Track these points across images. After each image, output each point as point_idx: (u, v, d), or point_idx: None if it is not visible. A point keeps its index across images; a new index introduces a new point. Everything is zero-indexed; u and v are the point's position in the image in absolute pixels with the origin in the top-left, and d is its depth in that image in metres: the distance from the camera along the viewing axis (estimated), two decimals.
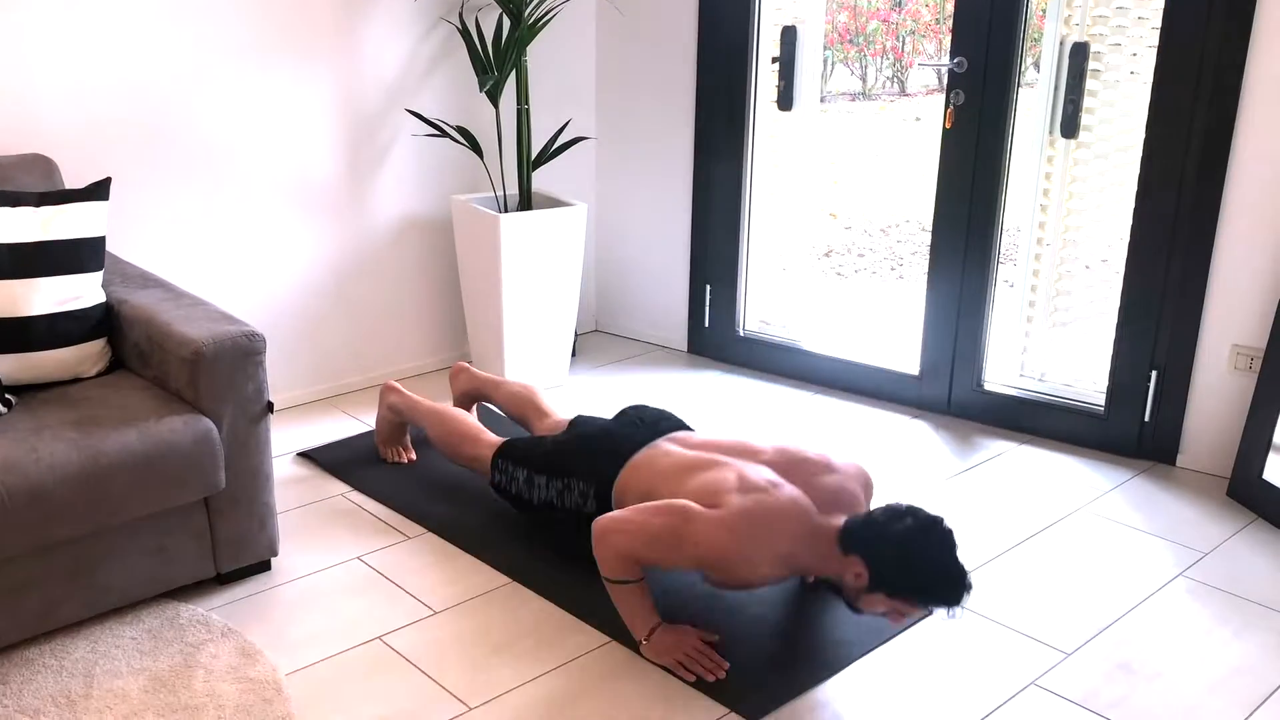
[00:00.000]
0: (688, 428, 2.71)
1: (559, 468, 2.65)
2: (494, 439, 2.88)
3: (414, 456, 3.21)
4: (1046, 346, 3.57)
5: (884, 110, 9.90)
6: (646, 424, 2.68)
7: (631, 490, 2.52)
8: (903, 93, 10.27)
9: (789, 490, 2.32)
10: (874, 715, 2.19)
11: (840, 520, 2.30)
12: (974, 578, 2.65)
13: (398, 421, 3.17)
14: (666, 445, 2.58)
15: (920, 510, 2.23)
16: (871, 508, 2.47)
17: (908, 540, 2.18)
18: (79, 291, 2.56)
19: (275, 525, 2.58)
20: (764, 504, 2.27)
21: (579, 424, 2.77)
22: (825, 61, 9.32)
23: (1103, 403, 3.39)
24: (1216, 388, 3.17)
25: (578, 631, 2.43)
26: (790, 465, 2.43)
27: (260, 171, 3.37)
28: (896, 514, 2.22)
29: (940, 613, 2.43)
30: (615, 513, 2.34)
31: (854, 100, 10.06)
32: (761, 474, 2.35)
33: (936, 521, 2.21)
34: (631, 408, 2.79)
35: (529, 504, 2.72)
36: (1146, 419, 3.29)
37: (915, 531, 2.19)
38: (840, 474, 2.43)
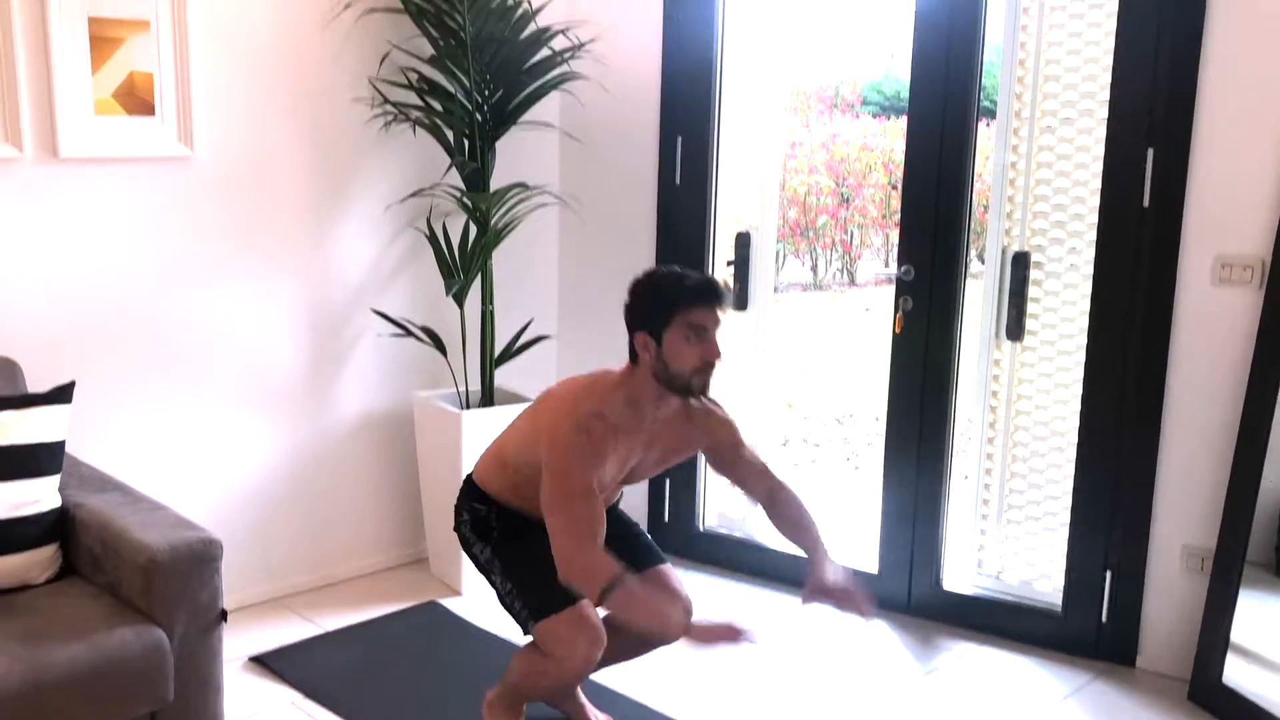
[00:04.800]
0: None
1: (458, 507, 2.74)
2: None
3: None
4: (1002, 544, 3.60)
5: (835, 300, 10.21)
6: None
7: (487, 469, 2.73)
8: (852, 283, 10.61)
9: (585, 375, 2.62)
10: None
11: None
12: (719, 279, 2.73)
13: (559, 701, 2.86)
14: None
15: None
16: None
17: (637, 284, 2.49)
18: (35, 495, 2.53)
19: None
20: (571, 393, 2.53)
21: None
22: (777, 254, 9.66)
23: (1059, 603, 3.40)
24: (1171, 588, 3.20)
25: None
26: None
27: (223, 370, 3.39)
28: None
29: (719, 311, 2.44)
30: (556, 552, 2.35)
31: (806, 291, 10.37)
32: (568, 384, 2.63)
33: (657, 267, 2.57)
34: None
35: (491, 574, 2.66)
36: (1103, 619, 3.31)
37: (641, 277, 2.51)
38: None
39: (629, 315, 2.47)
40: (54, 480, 2.59)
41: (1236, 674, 2.98)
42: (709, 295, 2.41)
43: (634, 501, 4.21)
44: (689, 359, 2.40)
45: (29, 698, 2.13)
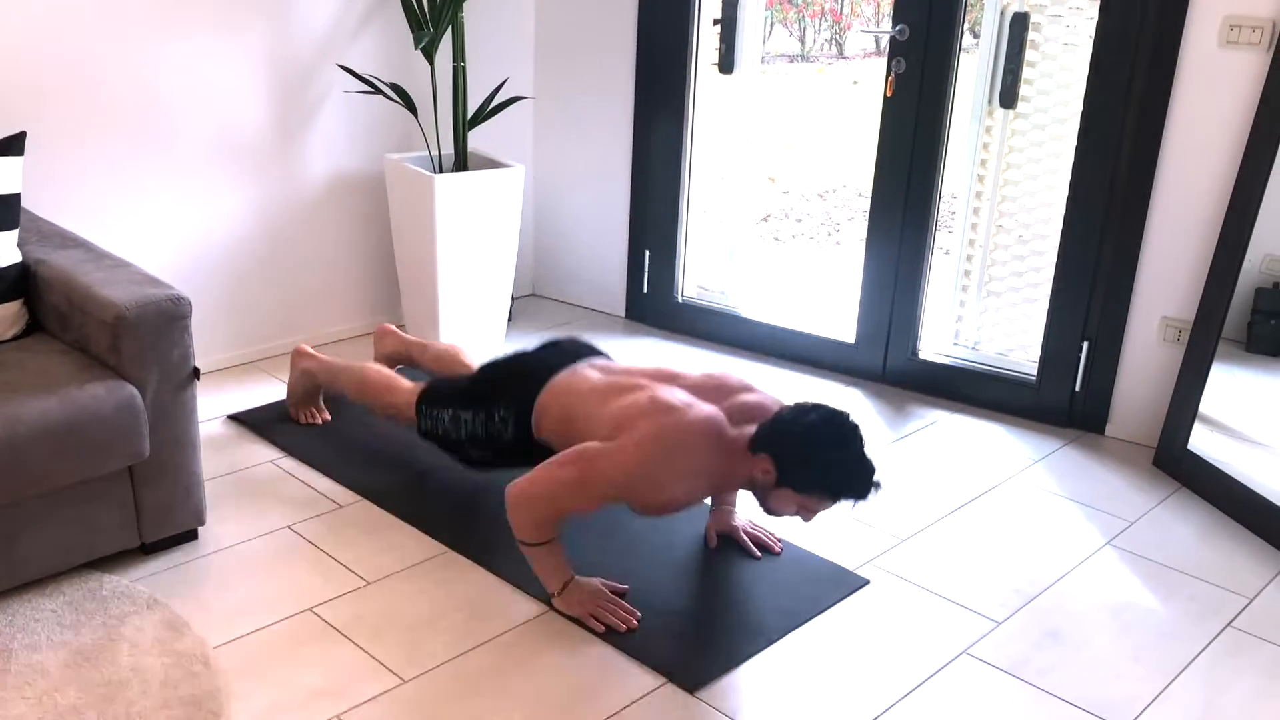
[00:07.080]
0: (609, 359, 2.69)
1: (481, 398, 2.62)
2: (414, 386, 2.82)
3: (328, 417, 3.17)
4: (980, 315, 3.60)
5: (822, 73, 9.90)
6: (567, 353, 2.65)
7: (550, 414, 2.50)
8: (840, 55, 10.27)
9: (701, 409, 2.31)
10: (809, 685, 2.21)
11: (752, 429, 2.33)
12: (881, 477, 2.55)
13: (312, 385, 3.12)
14: (586, 370, 2.56)
15: (826, 405, 2.26)
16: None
17: (812, 432, 2.22)
18: None
19: (202, 494, 2.52)
20: (672, 424, 2.27)
21: (490, 365, 2.73)
22: (764, 22, 9.28)
23: (1035, 373, 3.43)
24: (1146, 359, 3.23)
25: (513, 601, 2.41)
26: (712, 388, 2.44)
27: (185, 127, 3.25)
28: (802, 410, 2.27)
29: (848, 506, 2.35)
30: (523, 477, 2.32)
31: (792, 62, 10.04)
32: (675, 395, 2.34)
33: (842, 415, 2.24)
34: (553, 340, 2.74)
35: (458, 442, 2.67)
36: (1077, 389, 3.34)
37: (820, 424, 2.23)
38: (760, 394, 2.44)
39: (777, 443, 2.24)
40: (12, 235, 2.50)
41: (1201, 442, 3.04)
42: (853, 497, 2.24)
43: (612, 271, 4.17)
44: (787, 509, 2.30)
45: (6, 450, 2.12)
